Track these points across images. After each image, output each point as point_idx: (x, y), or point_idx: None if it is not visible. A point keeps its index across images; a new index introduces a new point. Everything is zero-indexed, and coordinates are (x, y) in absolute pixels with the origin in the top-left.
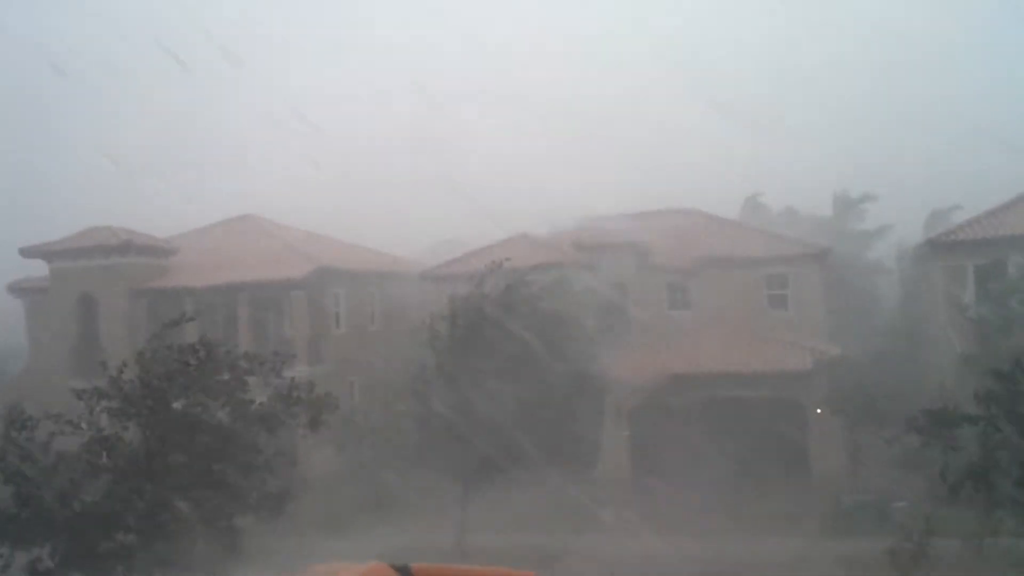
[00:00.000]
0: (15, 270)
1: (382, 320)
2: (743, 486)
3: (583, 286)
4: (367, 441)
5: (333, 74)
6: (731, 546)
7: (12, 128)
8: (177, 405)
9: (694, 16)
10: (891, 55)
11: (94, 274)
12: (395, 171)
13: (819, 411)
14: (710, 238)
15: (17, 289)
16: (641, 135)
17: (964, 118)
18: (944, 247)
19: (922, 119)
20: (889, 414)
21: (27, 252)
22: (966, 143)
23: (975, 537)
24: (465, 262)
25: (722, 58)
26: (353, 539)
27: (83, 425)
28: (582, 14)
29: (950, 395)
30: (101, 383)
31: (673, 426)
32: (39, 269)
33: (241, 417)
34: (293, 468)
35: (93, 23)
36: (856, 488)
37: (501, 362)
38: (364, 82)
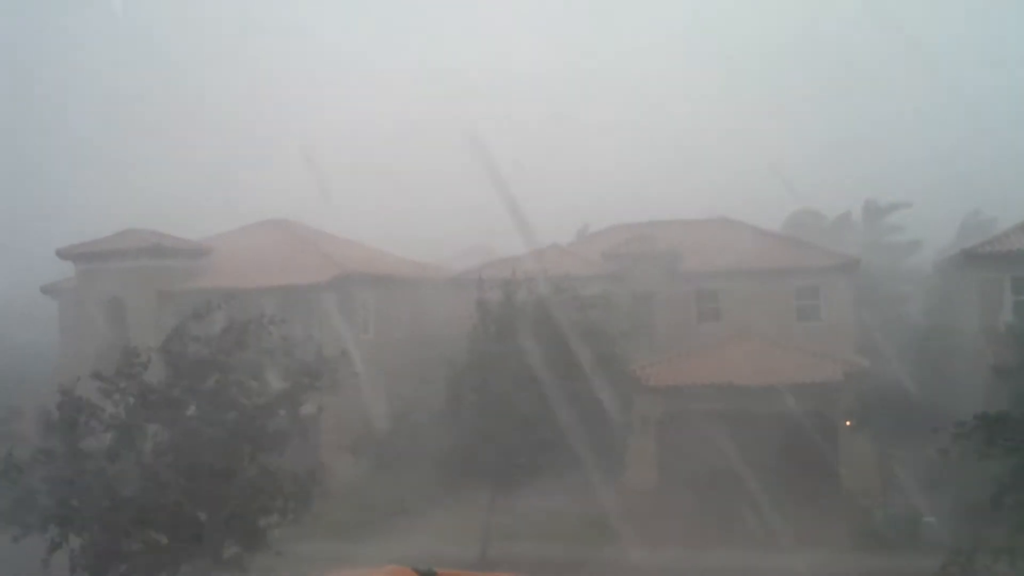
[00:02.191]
0: (54, 270)
1: (410, 326)
2: (771, 498)
3: (613, 295)
4: (392, 447)
5: (361, 78)
6: (759, 559)
7: (45, 131)
8: (192, 410)
9: (740, 17)
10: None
11: (123, 277)
12: (426, 176)
13: (848, 423)
14: (741, 248)
15: (51, 290)
16: (681, 141)
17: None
18: (980, 258)
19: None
20: (919, 427)
21: (62, 254)
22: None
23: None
24: (494, 268)
25: (767, 59)
26: (376, 544)
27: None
28: (620, 12)
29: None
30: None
31: (701, 437)
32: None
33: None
34: (317, 473)
35: (111, 21)
36: (886, 502)
37: (530, 371)
38: (392, 85)
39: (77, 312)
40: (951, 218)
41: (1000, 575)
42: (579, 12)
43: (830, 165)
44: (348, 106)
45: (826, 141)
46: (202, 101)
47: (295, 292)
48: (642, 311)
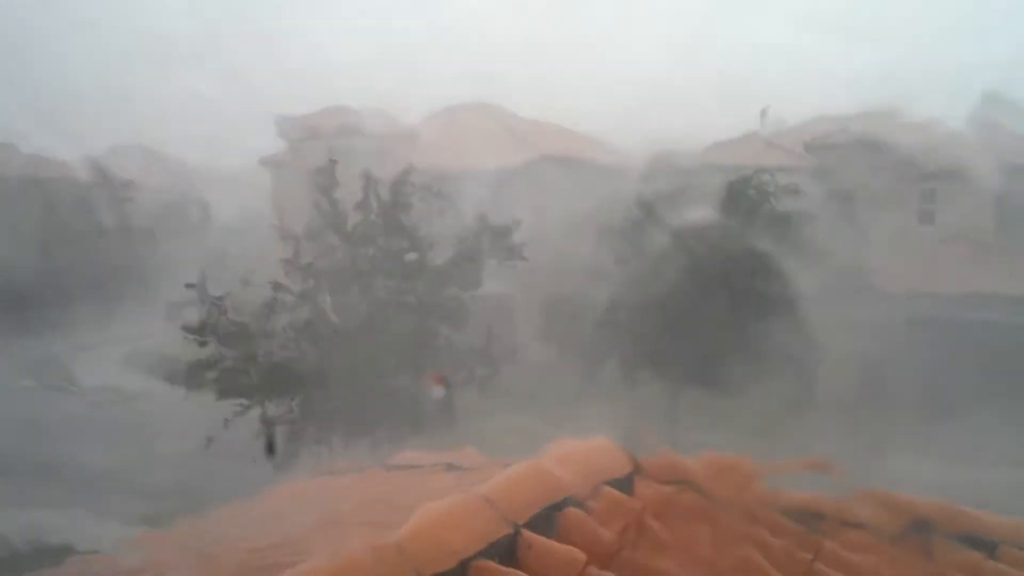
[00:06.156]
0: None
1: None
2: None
3: (811, 189)
4: (579, 329)
5: None
6: (961, 473)
7: None
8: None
9: None
10: None
11: (327, 153)
12: (625, 62)
13: None
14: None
15: (268, 162)
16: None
17: None
18: None
19: None
20: None
21: (278, 121)
22: None
23: None
24: (689, 158)
25: None
26: (565, 427)
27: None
28: None
29: None
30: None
31: (905, 346)
32: None
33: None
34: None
35: None
36: None
37: (720, 263)
38: None
39: (288, 185)
40: None
41: None
42: None
43: None
44: None
45: None
46: None
47: (489, 174)
48: (843, 207)
